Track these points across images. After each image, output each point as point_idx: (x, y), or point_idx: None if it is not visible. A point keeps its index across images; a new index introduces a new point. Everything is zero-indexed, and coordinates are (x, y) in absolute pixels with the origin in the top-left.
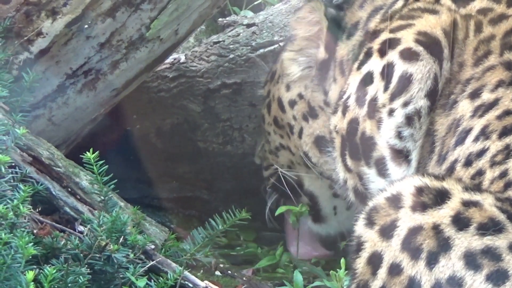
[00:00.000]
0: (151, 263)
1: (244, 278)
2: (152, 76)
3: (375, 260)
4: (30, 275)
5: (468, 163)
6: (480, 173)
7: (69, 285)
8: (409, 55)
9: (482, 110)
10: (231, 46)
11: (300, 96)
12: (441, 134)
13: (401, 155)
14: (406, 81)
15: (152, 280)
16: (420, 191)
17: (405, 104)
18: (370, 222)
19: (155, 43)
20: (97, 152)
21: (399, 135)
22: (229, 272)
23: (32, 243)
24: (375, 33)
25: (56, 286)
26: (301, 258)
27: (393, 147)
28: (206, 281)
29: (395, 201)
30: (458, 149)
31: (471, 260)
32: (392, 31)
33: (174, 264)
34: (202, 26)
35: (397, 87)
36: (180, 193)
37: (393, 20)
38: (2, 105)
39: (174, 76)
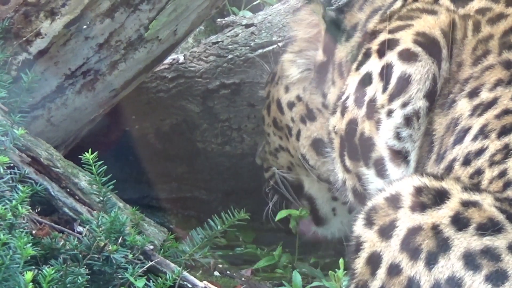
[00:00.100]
0: (150, 263)
1: (243, 279)
2: (151, 76)
3: (374, 260)
4: (29, 275)
5: (466, 162)
6: (478, 172)
7: (68, 285)
8: (407, 56)
9: (481, 109)
10: (230, 46)
11: (299, 98)
12: (439, 134)
13: (399, 155)
14: (404, 82)
15: (151, 281)
16: (419, 191)
17: (404, 105)
18: (369, 222)
19: (153, 43)
20: (96, 153)
21: (397, 136)
22: (228, 272)
23: (30, 244)
24: (374, 34)
25: (54, 287)
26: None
27: (392, 147)
28: (205, 282)
29: (394, 201)
30: (456, 148)
31: (470, 260)
32: (390, 31)
33: (173, 265)
34: (201, 26)
35: (395, 88)
36: (179, 194)
37: (392, 20)
38: (1, 106)
39: (173, 76)
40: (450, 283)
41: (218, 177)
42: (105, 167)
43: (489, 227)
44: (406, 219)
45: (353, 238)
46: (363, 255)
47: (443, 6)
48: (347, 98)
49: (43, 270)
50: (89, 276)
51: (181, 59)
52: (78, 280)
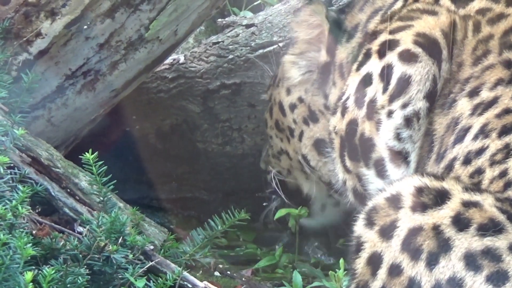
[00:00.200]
0: (150, 263)
1: (243, 279)
2: (151, 76)
3: (375, 261)
4: (29, 275)
5: (467, 161)
6: (479, 171)
7: (68, 285)
8: (408, 57)
9: (481, 108)
10: (230, 46)
11: (300, 99)
12: (439, 133)
13: (400, 156)
14: (405, 82)
15: (151, 281)
16: (420, 191)
17: (404, 106)
18: (369, 223)
19: (154, 43)
20: (96, 153)
21: (398, 137)
22: (228, 272)
23: (31, 244)
24: (374, 34)
25: (55, 287)
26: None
27: (392, 148)
28: (205, 282)
29: (394, 202)
30: (457, 147)
31: (471, 261)
32: (391, 32)
33: (173, 265)
34: (201, 26)
35: (396, 88)
36: (179, 194)
37: (392, 21)
38: (1, 106)
39: (173, 76)
40: (451, 283)
41: (218, 177)
42: (106, 167)
43: (490, 228)
44: (407, 219)
45: (353, 238)
46: (364, 255)
47: (443, 6)
48: (348, 98)
49: (43, 270)
50: (89, 276)
51: (182, 59)
52: (78, 280)
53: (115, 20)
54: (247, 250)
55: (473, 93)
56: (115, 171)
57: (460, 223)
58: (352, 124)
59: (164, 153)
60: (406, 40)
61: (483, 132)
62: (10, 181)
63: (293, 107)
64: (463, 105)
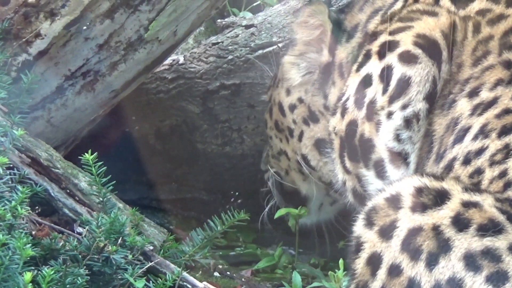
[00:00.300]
0: (150, 264)
1: (243, 279)
2: (150, 77)
3: (374, 261)
4: (28, 276)
5: (466, 161)
6: (479, 171)
7: (68, 286)
8: (407, 58)
9: (481, 108)
10: (230, 47)
11: (300, 100)
12: (439, 134)
13: (399, 157)
14: (404, 84)
15: (151, 281)
16: (419, 191)
17: (404, 107)
18: (369, 223)
19: (153, 44)
20: (95, 154)
21: (397, 138)
22: (228, 273)
23: (30, 244)
24: (374, 35)
25: (54, 287)
26: None
27: (392, 149)
28: (205, 282)
29: (394, 202)
30: (456, 147)
31: (471, 261)
32: (391, 33)
33: (172, 265)
34: (201, 27)
35: (395, 90)
36: (179, 194)
37: (392, 22)
38: (1, 107)
39: (173, 77)
40: (450, 284)
41: (218, 178)
42: (105, 168)
43: (490, 228)
44: (407, 219)
45: (353, 239)
46: (364, 255)
47: (443, 7)
48: (347, 99)
49: (43, 271)
50: (88, 277)
51: (181, 60)
52: (78, 281)
53: (114, 21)
54: (247, 251)
55: (473, 93)
56: (115, 171)
57: (460, 223)
58: (352, 125)
59: (164, 154)
60: (406, 41)
61: (483, 132)
62: (10, 182)
63: (292, 107)
64: (463, 106)
